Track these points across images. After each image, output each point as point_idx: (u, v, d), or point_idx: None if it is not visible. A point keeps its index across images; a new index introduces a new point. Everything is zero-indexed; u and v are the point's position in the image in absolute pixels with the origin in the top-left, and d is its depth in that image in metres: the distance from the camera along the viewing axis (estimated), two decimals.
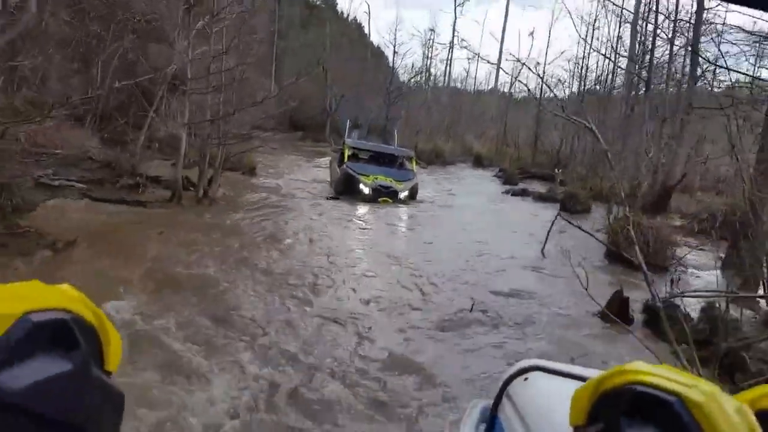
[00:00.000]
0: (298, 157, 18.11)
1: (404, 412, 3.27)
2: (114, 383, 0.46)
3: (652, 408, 0.45)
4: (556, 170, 14.00)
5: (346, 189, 11.33)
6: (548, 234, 6.92)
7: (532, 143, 21.61)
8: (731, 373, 3.95)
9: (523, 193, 14.07)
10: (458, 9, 33.06)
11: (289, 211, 9.00)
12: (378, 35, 66.04)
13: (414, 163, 13.15)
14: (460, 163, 21.44)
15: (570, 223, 5.58)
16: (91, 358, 0.43)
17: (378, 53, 46.22)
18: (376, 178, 11.46)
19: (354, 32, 46.37)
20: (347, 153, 12.25)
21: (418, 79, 38.53)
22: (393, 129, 17.83)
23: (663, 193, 11.36)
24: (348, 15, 46.65)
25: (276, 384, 3.42)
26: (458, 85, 37.19)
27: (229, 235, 6.89)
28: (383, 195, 11.19)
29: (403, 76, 36.55)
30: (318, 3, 38.96)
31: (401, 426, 3.14)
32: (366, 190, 11.17)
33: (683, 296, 4.26)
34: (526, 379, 1.20)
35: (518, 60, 21.41)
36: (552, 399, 1.09)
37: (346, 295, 5.27)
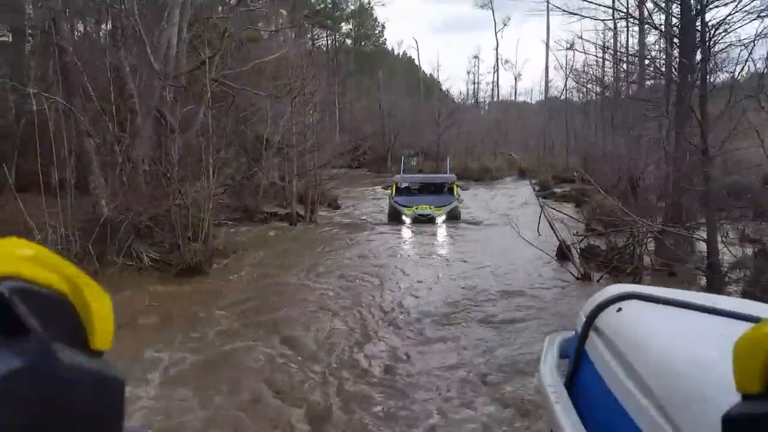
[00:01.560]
0: (365, 189, 22.43)
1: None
2: (107, 366, 0.36)
3: None
4: (575, 173, 17.20)
5: (393, 218, 13.95)
6: (539, 217, 10.42)
7: (565, 148, 24.83)
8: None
9: (547, 196, 17.08)
10: (498, 33, 37.15)
11: (360, 229, 13.00)
12: (428, 65, 71.15)
13: (455, 188, 15.46)
14: (507, 177, 25.02)
15: (542, 206, 9.36)
16: (59, 341, 0.32)
17: (430, 82, 51.14)
18: (417, 208, 13.68)
19: (405, 66, 51.78)
20: (394, 188, 15.20)
21: (467, 102, 42.98)
22: (446, 155, 21.39)
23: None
24: (398, 52, 52.25)
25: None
26: (508, 98, 41.00)
27: (327, 240, 11.25)
28: (422, 221, 13.39)
29: (458, 98, 41.15)
30: (369, 49, 44.19)
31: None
32: (407, 220, 13.52)
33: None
34: (619, 310, 1.10)
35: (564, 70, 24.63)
36: (657, 332, 0.99)
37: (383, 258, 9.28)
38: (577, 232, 8.96)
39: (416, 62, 50.04)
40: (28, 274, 0.31)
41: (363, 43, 44.76)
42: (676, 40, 7.83)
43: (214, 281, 7.65)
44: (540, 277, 7.76)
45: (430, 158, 27.33)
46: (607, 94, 17.12)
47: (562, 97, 28.07)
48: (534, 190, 11.08)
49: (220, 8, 14.06)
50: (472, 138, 29.69)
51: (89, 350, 0.34)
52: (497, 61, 38.44)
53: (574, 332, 1.26)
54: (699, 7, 7.13)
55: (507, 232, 9.86)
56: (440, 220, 13.61)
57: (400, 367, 4.68)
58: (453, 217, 14.04)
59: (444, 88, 52.69)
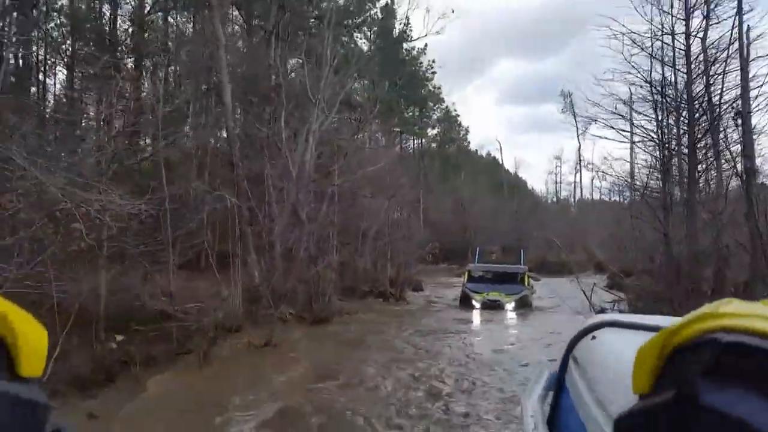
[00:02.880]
0: (447, 278, 25.39)
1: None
2: (31, 391, 0.37)
3: (749, 362, 0.33)
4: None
5: (464, 303, 15.50)
6: (591, 294, 12.74)
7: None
8: None
9: (612, 287, 18.83)
10: (581, 136, 40.37)
11: (439, 309, 15.97)
12: (512, 162, 75.38)
13: (526, 278, 16.66)
14: (587, 271, 26.93)
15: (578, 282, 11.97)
16: None
17: (513, 180, 54.76)
18: (487, 294, 15.12)
19: (489, 165, 56.08)
20: (467, 276, 17.10)
21: (550, 200, 45.88)
22: (520, 249, 23.56)
23: None
24: (482, 153, 56.96)
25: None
26: (589, 196, 43.23)
27: (413, 313, 14.31)
28: (490, 307, 14.68)
29: (542, 196, 44.20)
30: (453, 151, 48.95)
31: None
32: (477, 305, 14.95)
33: None
34: (593, 338, 1.14)
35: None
36: (624, 358, 0.96)
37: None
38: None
39: (499, 161, 53.87)
40: None
41: (448, 146, 49.61)
42: None
43: (336, 328, 10.98)
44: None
45: (510, 253, 29.98)
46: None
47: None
48: (578, 282, 12.97)
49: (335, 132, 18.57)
50: (551, 234, 32.15)
51: (14, 376, 0.36)
52: (579, 162, 41.33)
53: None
54: None
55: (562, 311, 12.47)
56: (509, 306, 14.76)
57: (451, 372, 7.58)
58: (523, 305, 15.07)
59: (529, 186, 56.22)
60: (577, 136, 42.12)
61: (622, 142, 16.24)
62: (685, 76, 10.57)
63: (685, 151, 10.65)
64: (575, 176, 42.98)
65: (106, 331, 8.64)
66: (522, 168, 74.08)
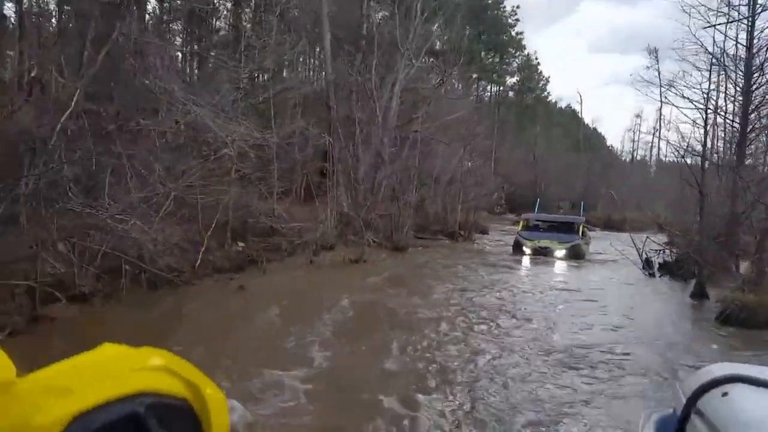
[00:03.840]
0: (513, 227, 26.88)
1: None
2: None
3: None
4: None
5: (516, 249, 15.99)
6: (642, 248, 14.01)
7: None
8: None
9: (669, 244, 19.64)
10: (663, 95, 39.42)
11: (499, 252, 17.56)
12: (591, 116, 73.48)
13: (581, 228, 17.08)
14: (651, 230, 27.59)
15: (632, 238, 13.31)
16: None
17: (592, 134, 53.98)
18: (539, 242, 15.82)
19: (567, 118, 55.28)
20: (522, 224, 17.94)
21: (626, 158, 45.47)
22: (581, 202, 24.13)
23: None
24: (561, 105, 56.17)
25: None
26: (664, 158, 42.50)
27: (476, 251, 16.16)
28: (540, 253, 15.31)
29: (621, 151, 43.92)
30: (531, 101, 48.79)
31: None
32: (527, 251, 15.55)
33: None
34: (725, 394, 1.10)
35: None
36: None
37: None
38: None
39: (578, 114, 52.94)
40: (159, 387, 0.39)
41: (526, 96, 49.42)
42: None
43: (411, 256, 13.12)
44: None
45: (578, 208, 30.88)
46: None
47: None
48: (631, 237, 14.23)
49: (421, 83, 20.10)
50: (621, 192, 32.57)
51: None
52: (660, 121, 40.35)
53: (672, 410, 1.27)
54: None
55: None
56: (559, 254, 15.36)
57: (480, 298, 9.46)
58: (575, 255, 15.49)
59: (608, 142, 55.27)
60: (660, 94, 40.91)
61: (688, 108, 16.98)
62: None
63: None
64: (653, 136, 41.96)
65: (232, 238, 11.13)
66: (601, 123, 71.78)
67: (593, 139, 53.19)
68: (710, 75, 13.24)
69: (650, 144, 44.56)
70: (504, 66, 47.64)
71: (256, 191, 12.28)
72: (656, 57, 32.08)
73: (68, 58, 6.96)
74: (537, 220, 18.40)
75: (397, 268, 11.60)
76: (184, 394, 0.41)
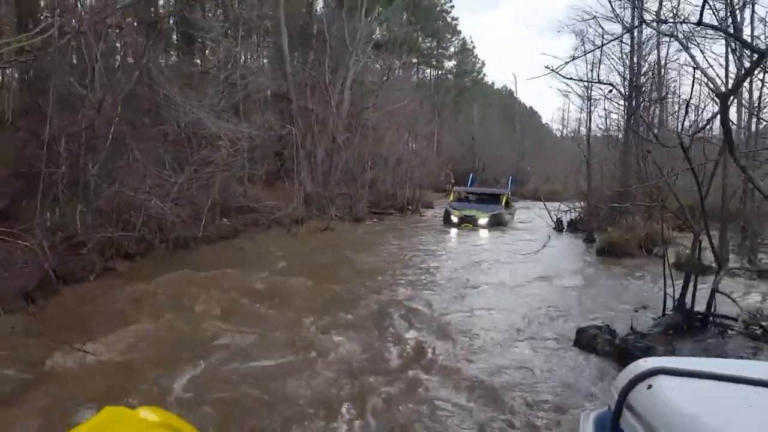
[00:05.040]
0: None
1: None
2: None
3: None
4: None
5: (446, 218, 17.93)
6: (555, 215, 17.45)
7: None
8: None
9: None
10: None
11: (436, 220, 20.77)
12: (527, 96, 78.21)
13: (504, 198, 19.25)
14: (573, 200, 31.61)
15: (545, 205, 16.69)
16: None
17: (528, 114, 58.28)
18: (465, 211, 17.60)
19: (505, 99, 59.31)
20: (452, 196, 20.32)
21: (560, 135, 49.84)
22: (509, 177, 26.76)
23: None
24: (498, 86, 60.04)
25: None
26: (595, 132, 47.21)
27: (422, 221, 19.16)
28: (466, 222, 17.01)
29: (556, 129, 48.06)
30: (469, 83, 52.28)
31: None
32: (455, 219, 17.33)
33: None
34: (650, 387, 1.19)
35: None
36: (691, 410, 1.08)
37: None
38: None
39: (515, 95, 56.86)
40: None
41: (465, 80, 52.88)
42: None
43: (368, 226, 15.96)
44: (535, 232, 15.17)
45: (513, 183, 34.50)
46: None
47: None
48: (544, 204, 17.48)
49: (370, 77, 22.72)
50: (551, 166, 36.57)
51: None
52: (589, 99, 44.70)
53: (608, 407, 1.34)
54: None
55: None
56: (482, 222, 17.15)
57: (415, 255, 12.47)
58: (497, 222, 17.37)
59: (544, 120, 59.67)
60: (586, 72, 45.22)
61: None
62: None
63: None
64: (581, 113, 46.33)
65: (220, 216, 13.55)
66: (538, 102, 76.52)
67: (529, 118, 57.54)
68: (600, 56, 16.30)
69: (578, 120, 48.90)
70: (441, 50, 50.86)
71: (235, 177, 14.70)
72: (582, 39, 35.95)
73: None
74: (466, 193, 20.77)
75: (357, 234, 14.50)
76: None
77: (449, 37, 50.13)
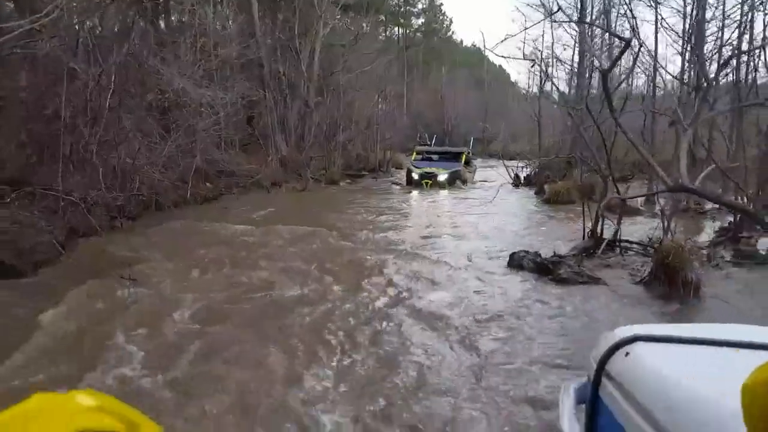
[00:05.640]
0: None
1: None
2: None
3: None
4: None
5: (408, 177, 18.86)
6: (514, 172, 19.09)
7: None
8: None
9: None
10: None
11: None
12: (496, 55, 78.88)
13: (464, 158, 20.33)
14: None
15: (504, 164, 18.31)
16: None
17: (498, 73, 59.39)
18: (424, 169, 18.63)
19: (474, 57, 60.19)
20: (414, 155, 21.35)
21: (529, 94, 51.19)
22: (471, 139, 27.85)
23: None
24: (467, 44, 60.76)
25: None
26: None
27: (392, 181, 20.59)
28: (426, 179, 17.97)
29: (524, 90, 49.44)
30: (437, 42, 53.05)
31: None
32: (415, 177, 18.27)
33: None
34: (627, 354, 1.24)
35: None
36: (666, 373, 1.11)
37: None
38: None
39: (483, 53, 57.73)
40: (94, 428, 0.43)
41: (431, 38, 53.58)
42: None
43: (343, 187, 17.37)
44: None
45: (479, 142, 36.02)
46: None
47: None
48: (503, 163, 19.33)
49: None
50: (518, 126, 38.16)
51: None
52: (552, 57, 46.04)
53: (587, 378, 1.38)
54: None
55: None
56: (442, 178, 18.07)
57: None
58: (455, 179, 18.31)
59: (513, 78, 60.81)
60: (552, 32, 46.39)
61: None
62: None
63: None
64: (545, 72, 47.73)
65: (203, 180, 14.74)
66: (507, 61, 77.28)
67: (497, 76, 58.69)
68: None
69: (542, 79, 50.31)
70: (408, 8, 51.35)
71: (214, 143, 15.82)
72: None
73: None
74: (426, 152, 21.63)
75: (332, 193, 15.91)
76: (120, 430, 0.44)
77: None
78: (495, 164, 27.02)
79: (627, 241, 7.38)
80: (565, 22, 15.54)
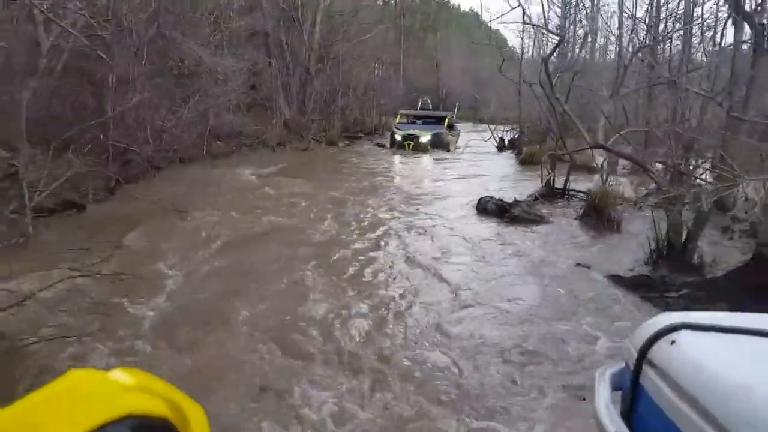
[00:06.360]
0: None
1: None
2: None
3: None
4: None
5: (392, 140, 19.87)
6: (501, 134, 20.87)
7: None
8: None
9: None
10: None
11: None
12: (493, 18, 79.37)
13: (448, 122, 20.93)
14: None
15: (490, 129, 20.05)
16: None
17: (495, 37, 60.20)
18: (407, 131, 19.59)
19: (471, 22, 60.93)
20: (398, 118, 21.94)
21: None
22: (456, 105, 28.27)
23: None
24: (464, 9, 61.36)
25: None
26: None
27: (386, 144, 22.37)
28: (408, 140, 19.03)
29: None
30: (434, 6, 53.79)
31: None
32: (399, 138, 19.25)
33: None
34: (673, 342, 1.19)
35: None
36: (717, 363, 1.08)
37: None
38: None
39: (480, 18, 58.45)
40: (137, 409, 0.41)
41: (432, 3, 54.26)
42: None
43: (341, 148, 19.12)
44: (478, 152, 18.54)
45: (471, 109, 37.53)
46: None
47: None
48: (489, 128, 21.08)
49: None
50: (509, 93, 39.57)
51: None
52: (545, 20, 47.06)
53: (623, 364, 1.35)
54: None
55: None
56: (423, 140, 19.03)
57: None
58: (438, 141, 19.18)
59: (510, 43, 61.64)
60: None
61: None
62: None
63: None
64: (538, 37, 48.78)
65: (216, 139, 16.48)
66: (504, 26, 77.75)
67: (495, 41, 59.41)
68: None
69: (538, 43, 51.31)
70: None
71: (225, 106, 17.49)
72: None
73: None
74: (411, 115, 22.44)
75: (333, 153, 17.76)
76: (164, 412, 0.43)
77: None
78: (482, 129, 28.84)
79: (573, 190, 9.28)
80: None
